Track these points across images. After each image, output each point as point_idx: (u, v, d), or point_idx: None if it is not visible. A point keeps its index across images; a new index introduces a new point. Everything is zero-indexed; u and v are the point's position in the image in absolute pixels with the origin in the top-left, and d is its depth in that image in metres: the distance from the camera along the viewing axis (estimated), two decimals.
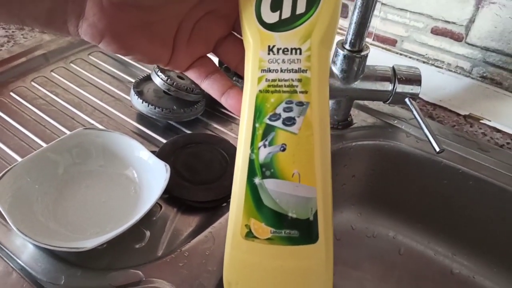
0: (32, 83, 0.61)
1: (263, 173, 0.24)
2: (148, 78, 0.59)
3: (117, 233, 0.36)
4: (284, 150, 0.24)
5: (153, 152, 0.47)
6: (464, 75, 0.59)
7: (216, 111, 0.60)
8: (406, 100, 0.51)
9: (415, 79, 0.51)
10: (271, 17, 0.24)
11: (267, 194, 0.24)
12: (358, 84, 0.51)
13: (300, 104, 0.24)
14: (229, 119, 0.59)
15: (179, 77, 0.57)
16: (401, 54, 0.63)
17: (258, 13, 0.24)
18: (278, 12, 0.24)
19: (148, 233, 0.42)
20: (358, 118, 0.58)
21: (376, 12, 0.47)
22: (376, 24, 0.64)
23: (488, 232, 0.53)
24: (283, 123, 0.24)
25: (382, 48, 0.65)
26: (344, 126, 0.56)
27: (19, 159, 0.49)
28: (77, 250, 0.35)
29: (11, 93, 0.59)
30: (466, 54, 0.58)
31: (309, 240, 0.25)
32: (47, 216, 0.41)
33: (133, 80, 0.64)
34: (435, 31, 0.59)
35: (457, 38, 0.58)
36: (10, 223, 0.36)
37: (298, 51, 0.24)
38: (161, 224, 0.44)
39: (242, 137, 0.25)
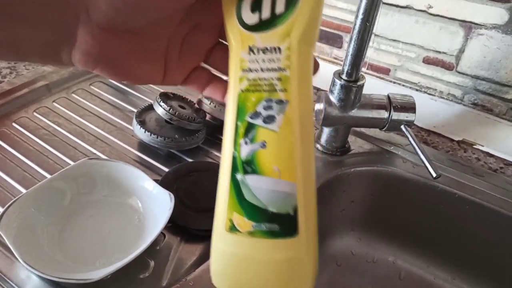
0: (35, 113, 0.62)
1: (245, 169, 0.25)
2: (149, 108, 0.60)
3: (123, 264, 0.37)
4: (264, 147, 0.25)
5: (156, 180, 0.47)
6: (456, 102, 0.62)
7: (216, 139, 0.61)
8: (402, 127, 0.53)
9: (410, 107, 0.53)
10: (251, 18, 0.24)
11: (248, 189, 0.25)
12: (355, 112, 0.53)
13: (279, 102, 0.24)
14: None
15: (180, 106, 0.59)
16: (394, 82, 0.66)
17: (239, 15, 0.25)
18: (257, 13, 0.24)
19: (152, 263, 0.42)
20: (356, 144, 0.59)
21: (369, 43, 0.49)
22: (370, 54, 0.66)
23: (487, 255, 0.54)
24: (264, 121, 0.25)
25: (376, 76, 0.67)
26: (342, 152, 0.57)
27: (22, 189, 0.49)
28: (84, 282, 0.35)
29: (14, 124, 0.60)
30: (457, 82, 0.61)
31: (290, 233, 0.25)
32: (53, 247, 0.41)
33: (134, 109, 0.65)
34: (427, 61, 0.62)
35: (448, 67, 0.60)
36: (16, 255, 0.36)
37: (278, 50, 0.24)
38: (165, 253, 0.44)
39: (226, 135, 0.25)
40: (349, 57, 0.50)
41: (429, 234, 0.57)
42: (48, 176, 0.51)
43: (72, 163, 0.53)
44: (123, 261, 0.37)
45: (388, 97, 0.53)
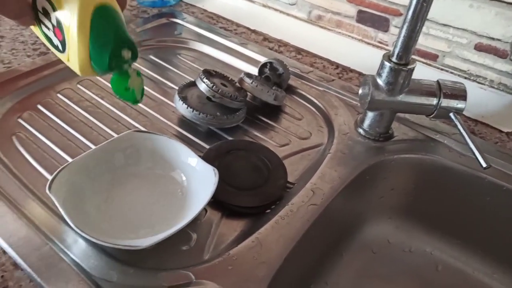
0: (78, 85, 0.63)
1: None
2: (191, 84, 0.60)
3: (170, 234, 0.37)
4: None
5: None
6: (507, 92, 0.59)
7: (256, 119, 0.61)
8: (451, 114, 0.51)
9: (461, 94, 0.51)
10: None
11: None
12: (403, 97, 0.51)
13: None
14: (268, 127, 0.60)
15: (222, 84, 0.59)
16: (441, 69, 0.64)
17: None
18: None
19: (195, 236, 0.43)
20: (399, 131, 0.58)
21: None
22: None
23: None
24: None
25: (423, 62, 0.65)
26: (385, 138, 0.56)
27: (68, 158, 0.50)
28: (133, 249, 0.36)
29: (58, 95, 0.61)
30: (510, 71, 0.58)
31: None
32: (98, 214, 0.42)
33: (173, 86, 0.66)
34: (479, 47, 0.59)
35: (501, 55, 0.58)
36: (66, 219, 0.37)
37: None
38: (206, 228, 0.44)
39: None
40: (401, 39, 0.48)
41: (471, 227, 0.56)
42: (93, 146, 0.52)
43: (115, 135, 0.54)
44: (170, 231, 0.37)
45: (438, 83, 0.52)
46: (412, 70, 0.50)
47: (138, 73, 0.37)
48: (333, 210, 0.48)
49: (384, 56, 0.50)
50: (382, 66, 0.50)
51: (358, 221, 0.59)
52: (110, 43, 0.32)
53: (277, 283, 0.39)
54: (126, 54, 0.34)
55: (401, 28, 0.47)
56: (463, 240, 0.57)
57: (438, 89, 0.51)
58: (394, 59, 0.50)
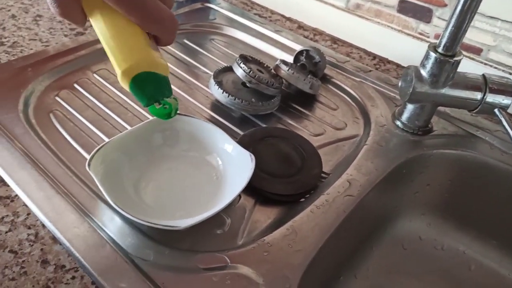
0: None
1: None
2: (226, 69, 0.60)
3: (208, 216, 0.37)
4: None
5: None
6: None
7: (290, 107, 0.60)
8: (496, 110, 0.49)
9: (508, 90, 0.49)
10: None
11: None
12: (447, 90, 0.49)
13: None
14: (302, 115, 0.59)
15: (258, 70, 0.58)
16: (485, 64, 0.61)
17: None
18: None
19: (229, 220, 0.43)
20: (439, 125, 0.56)
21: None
22: None
23: None
24: None
25: (465, 56, 0.62)
26: (424, 132, 0.54)
27: (104, 137, 0.50)
28: (171, 229, 0.36)
29: (95, 75, 0.61)
30: None
31: None
32: (135, 193, 0.42)
33: (207, 71, 0.65)
34: None
35: None
36: (104, 195, 0.37)
37: None
38: (240, 213, 0.44)
39: None
40: (449, 29, 0.46)
41: (508, 227, 0.54)
42: (128, 127, 0.52)
43: (150, 117, 0.54)
44: (207, 214, 0.37)
45: (484, 76, 0.50)
46: (458, 62, 0.48)
47: (175, 99, 0.37)
48: (369, 202, 0.47)
49: (429, 46, 0.49)
50: (427, 56, 0.49)
51: (391, 216, 0.57)
52: (144, 101, 0.35)
53: (311, 272, 0.39)
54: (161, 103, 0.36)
55: (450, 17, 0.46)
56: (499, 241, 0.55)
57: (484, 83, 0.49)
58: (440, 50, 0.48)
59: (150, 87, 0.34)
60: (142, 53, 0.32)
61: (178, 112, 0.37)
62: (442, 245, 0.58)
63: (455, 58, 0.48)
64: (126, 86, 0.34)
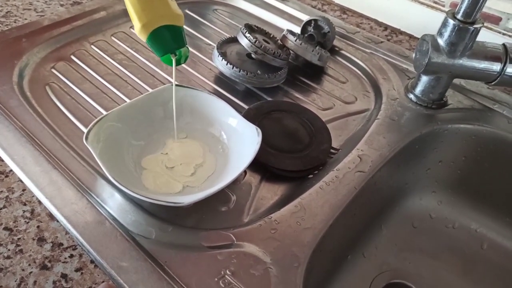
0: (112, 38, 0.61)
1: None
2: (230, 40, 0.57)
3: (211, 193, 0.35)
4: None
5: None
6: None
7: (297, 80, 0.57)
8: None
9: None
10: None
11: None
12: (465, 61, 0.46)
13: None
14: (310, 89, 0.56)
15: (264, 40, 0.55)
16: (504, 34, 0.58)
17: None
18: None
19: (234, 197, 0.41)
20: (454, 99, 0.53)
21: None
22: None
23: None
24: None
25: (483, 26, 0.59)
26: (439, 106, 0.52)
27: (102, 110, 0.48)
28: (174, 206, 0.34)
29: (92, 46, 0.58)
30: None
31: None
32: (136, 168, 0.40)
33: (211, 42, 0.62)
34: None
35: None
36: (104, 170, 0.35)
37: None
38: (246, 190, 0.42)
39: None
40: None
41: None
42: (127, 100, 0.50)
43: (150, 90, 0.51)
44: (210, 190, 0.35)
45: (505, 46, 0.47)
46: (478, 30, 0.45)
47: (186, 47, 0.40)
48: (380, 178, 0.45)
49: (448, 13, 0.46)
50: (444, 24, 0.46)
51: (400, 193, 0.55)
52: (161, 53, 0.38)
53: (320, 250, 0.37)
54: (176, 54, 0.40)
55: None
56: None
57: (504, 53, 0.46)
58: (459, 16, 0.45)
59: (168, 39, 0.37)
60: (161, 7, 0.35)
61: (182, 85, 0.39)
62: (453, 224, 0.56)
63: (475, 26, 0.45)
64: (144, 39, 0.36)
